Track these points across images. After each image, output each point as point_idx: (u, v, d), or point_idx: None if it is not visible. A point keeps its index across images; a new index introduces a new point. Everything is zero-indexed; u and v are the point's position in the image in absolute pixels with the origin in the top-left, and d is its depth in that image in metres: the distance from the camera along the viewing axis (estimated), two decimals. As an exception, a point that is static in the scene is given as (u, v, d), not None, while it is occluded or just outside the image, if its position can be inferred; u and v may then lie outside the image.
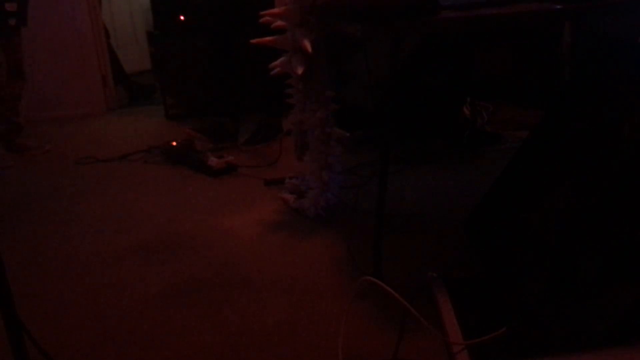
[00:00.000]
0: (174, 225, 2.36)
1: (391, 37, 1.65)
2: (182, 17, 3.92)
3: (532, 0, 1.66)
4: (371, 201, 1.82)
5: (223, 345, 1.57)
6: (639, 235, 1.38)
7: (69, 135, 3.85)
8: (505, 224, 1.74)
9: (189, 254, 2.11)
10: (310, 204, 2.29)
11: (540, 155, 1.78)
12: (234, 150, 3.24)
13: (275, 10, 2.03)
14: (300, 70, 2.01)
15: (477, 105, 3.20)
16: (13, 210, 2.64)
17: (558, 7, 1.55)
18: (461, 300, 1.58)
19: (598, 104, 1.65)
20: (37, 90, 4.11)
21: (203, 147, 3.20)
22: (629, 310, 1.36)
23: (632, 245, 1.38)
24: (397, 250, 1.99)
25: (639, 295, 1.36)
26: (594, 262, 1.40)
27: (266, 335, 1.59)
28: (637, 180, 1.42)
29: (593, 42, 2.34)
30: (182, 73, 3.99)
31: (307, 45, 1.95)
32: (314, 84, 2.11)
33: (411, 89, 2.93)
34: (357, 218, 2.23)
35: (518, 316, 1.40)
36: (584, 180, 1.54)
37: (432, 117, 3.12)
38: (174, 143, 3.19)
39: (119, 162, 3.21)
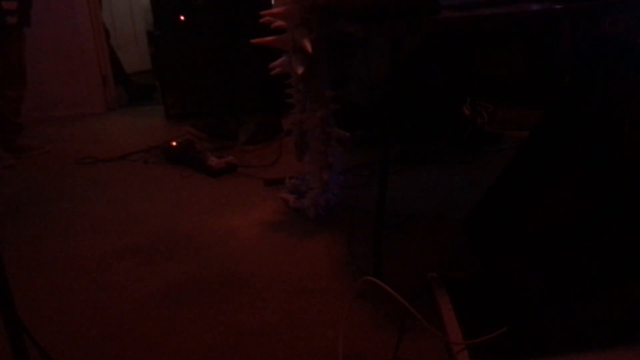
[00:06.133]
0: (174, 225, 2.36)
1: (391, 37, 1.65)
2: (182, 17, 3.92)
3: (532, 0, 1.66)
4: (371, 201, 1.82)
5: (223, 344, 1.57)
6: (639, 235, 1.38)
7: (69, 135, 3.84)
8: (505, 224, 1.74)
9: (189, 254, 2.11)
10: (310, 204, 2.29)
11: (540, 155, 1.78)
12: (234, 150, 3.24)
13: (275, 10, 2.03)
14: (300, 70, 2.01)
15: (477, 105, 3.20)
16: (13, 210, 2.64)
17: (558, 7, 1.55)
18: (461, 300, 1.58)
19: (598, 104, 1.65)
20: (37, 90, 4.10)
21: (203, 147, 3.20)
22: (629, 310, 1.36)
23: (632, 245, 1.38)
24: (397, 250, 1.99)
25: (639, 295, 1.36)
26: (594, 262, 1.41)
27: (266, 335, 1.59)
28: (637, 180, 1.42)
29: (593, 42, 2.34)
30: (182, 73, 3.99)
31: (307, 45, 1.95)
32: (314, 84, 2.11)
33: (411, 89, 2.93)
34: (357, 218, 2.23)
35: (518, 316, 1.40)
36: (584, 180, 1.54)
37: (432, 117, 3.12)
38: (174, 143, 3.19)
39: (119, 162, 3.21)
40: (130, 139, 3.61)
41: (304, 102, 2.18)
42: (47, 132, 3.86)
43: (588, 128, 1.63)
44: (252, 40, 2.15)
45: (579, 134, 1.65)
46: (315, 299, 1.75)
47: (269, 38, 2.12)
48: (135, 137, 3.67)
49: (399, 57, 1.69)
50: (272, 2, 2.08)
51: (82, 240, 2.28)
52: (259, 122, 3.34)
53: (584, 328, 1.37)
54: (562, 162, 1.66)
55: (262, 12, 2.10)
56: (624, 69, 1.64)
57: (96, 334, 1.66)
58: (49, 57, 4.19)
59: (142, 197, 2.69)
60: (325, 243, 2.11)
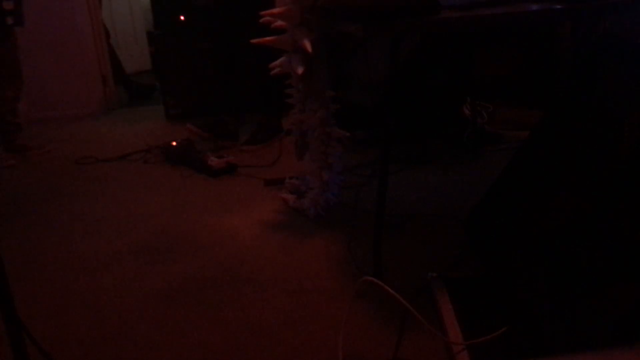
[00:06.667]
0: (174, 225, 2.36)
1: (391, 37, 1.65)
2: (182, 17, 3.93)
3: (532, 0, 1.66)
4: (371, 201, 1.82)
5: (223, 344, 1.57)
6: (639, 235, 1.38)
7: (69, 135, 3.84)
8: (505, 224, 1.74)
9: (189, 253, 2.11)
10: (310, 204, 2.29)
11: (540, 155, 1.78)
12: (234, 150, 3.24)
13: (275, 10, 2.03)
14: (300, 70, 2.01)
15: (477, 105, 3.20)
16: (13, 210, 2.65)
17: (558, 7, 1.55)
18: (461, 300, 1.58)
19: (598, 104, 1.65)
20: (37, 90, 4.10)
21: (203, 147, 3.21)
22: (629, 310, 1.36)
23: (632, 245, 1.38)
24: (397, 250, 1.99)
25: (639, 295, 1.36)
26: (594, 262, 1.40)
27: (266, 335, 1.59)
28: (637, 180, 1.42)
29: (593, 42, 2.34)
30: (182, 73, 3.99)
31: (307, 45, 1.95)
32: (314, 84, 2.11)
33: (411, 89, 2.93)
34: (357, 218, 2.23)
35: (518, 316, 1.40)
36: (584, 180, 1.54)
37: (432, 117, 3.12)
38: (174, 143, 3.19)
39: (118, 162, 3.21)
40: (130, 139, 3.61)
41: (304, 102, 2.18)
42: (47, 132, 3.86)
43: (588, 128, 1.63)
44: (252, 40, 2.15)
45: (578, 134, 1.65)
46: (315, 299, 1.75)
47: (269, 38, 2.12)
48: (135, 137, 3.67)
49: (399, 57, 1.69)
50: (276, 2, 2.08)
51: (82, 240, 2.28)
52: (259, 122, 3.34)
53: (584, 328, 1.37)
54: (562, 162, 1.66)
55: (262, 12, 2.10)
56: (624, 69, 1.64)
57: (96, 334, 1.66)
58: (49, 57, 4.19)
59: (142, 197, 2.69)
60: (325, 243, 2.11)
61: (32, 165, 3.30)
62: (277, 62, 2.18)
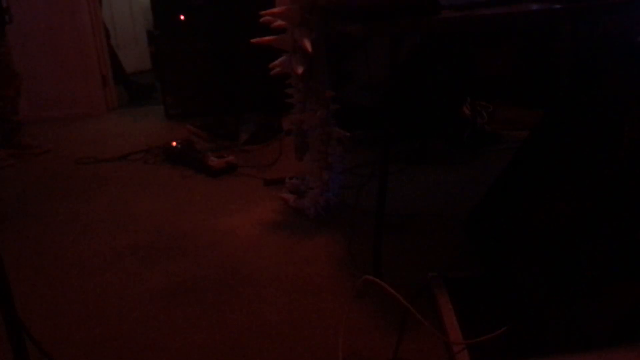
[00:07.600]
0: (174, 225, 2.36)
1: (391, 37, 1.65)
2: (182, 17, 3.93)
3: (532, 0, 1.66)
4: (371, 201, 1.82)
5: (223, 344, 1.57)
6: (639, 235, 1.38)
7: (69, 135, 3.84)
8: (505, 224, 1.74)
9: (189, 254, 2.11)
10: (310, 204, 2.29)
11: (540, 156, 1.78)
12: (234, 150, 3.24)
13: (275, 10, 2.03)
14: (300, 70, 2.01)
15: (477, 105, 3.20)
16: (13, 210, 2.64)
17: (558, 7, 1.55)
18: (461, 300, 1.58)
19: (598, 104, 1.65)
20: (37, 90, 4.11)
21: (203, 147, 3.21)
22: (629, 310, 1.36)
23: (632, 245, 1.38)
24: (397, 250, 1.99)
25: (639, 295, 1.36)
26: (594, 262, 1.40)
27: (266, 335, 1.59)
28: (637, 180, 1.42)
29: (593, 42, 2.34)
30: (182, 73, 4.00)
31: (307, 45, 1.95)
32: (314, 84, 2.11)
33: (411, 89, 2.93)
34: (357, 218, 2.23)
35: (518, 316, 1.40)
36: (584, 180, 1.54)
37: (432, 117, 3.12)
38: (174, 143, 3.19)
39: (119, 162, 3.21)
40: (130, 139, 3.61)
41: (304, 102, 2.18)
42: (47, 132, 3.86)
43: (588, 128, 1.63)
44: (252, 40, 2.15)
45: (578, 134, 1.65)
46: (315, 299, 1.75)
47: (269, 38, 2.12)
48: (135, 137, 3.68)
49: (398, 57, 1.69)
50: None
51: (82, 240, 2.28)
52: (259, 122, 3.34)
53: (584, 328, 1.37)
54: (562, 162, 1.66)
55: (262, 12, 2.10)
56: (624, 69, 1.64)
57: (96, 333, 1.66)
58: (49, 57, 4.19)
59: (142, 197, 2.69)
60: (325, 243, 2.11)
61: (32, 165, 3.30)
62: (277, 62, 2.18)
